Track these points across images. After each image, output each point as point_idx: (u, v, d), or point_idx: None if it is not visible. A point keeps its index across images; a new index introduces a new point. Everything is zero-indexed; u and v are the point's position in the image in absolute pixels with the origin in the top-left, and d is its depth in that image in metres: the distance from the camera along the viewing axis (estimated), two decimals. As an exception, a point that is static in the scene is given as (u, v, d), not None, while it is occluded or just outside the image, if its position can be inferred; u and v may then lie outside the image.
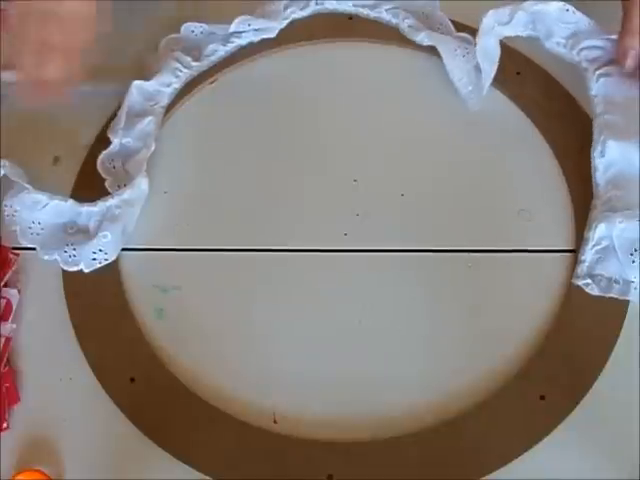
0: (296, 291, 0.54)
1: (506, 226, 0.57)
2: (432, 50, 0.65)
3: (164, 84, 0.63)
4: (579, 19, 0.63)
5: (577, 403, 0.48)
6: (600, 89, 0.60)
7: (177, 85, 0.64)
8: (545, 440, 0.47)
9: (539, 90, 0.63)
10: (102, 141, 0.60)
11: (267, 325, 0.53)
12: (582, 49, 0.62)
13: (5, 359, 0.51)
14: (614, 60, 0.61)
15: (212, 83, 0.65)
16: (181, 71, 0.64)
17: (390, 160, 0.60)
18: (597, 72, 0.61)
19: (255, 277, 0.55)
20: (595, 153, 0.57)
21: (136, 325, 0.53)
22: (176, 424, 0.49)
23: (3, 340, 0.51)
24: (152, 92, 0.62)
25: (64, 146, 0.62)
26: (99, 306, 0.54)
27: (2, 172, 0.55)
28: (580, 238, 0.55)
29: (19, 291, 0.54)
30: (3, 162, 0.55)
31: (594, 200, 0.56)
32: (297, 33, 0.67)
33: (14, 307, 0.53)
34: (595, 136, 0.58)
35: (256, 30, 0.66)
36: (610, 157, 0.57)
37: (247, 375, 0.51)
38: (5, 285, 0.54)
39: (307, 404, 0.50)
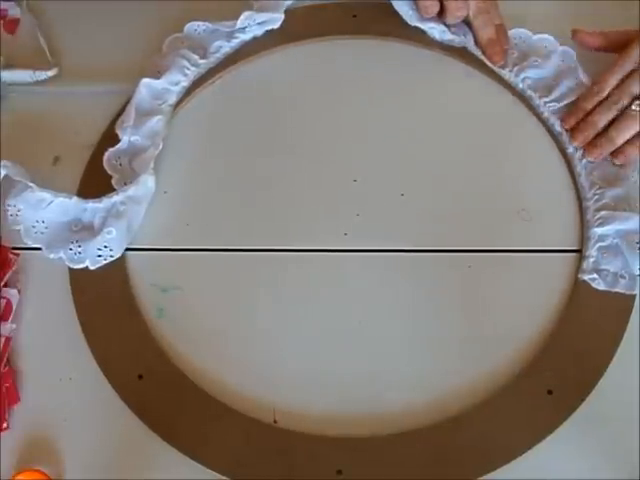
0: (296, 291, 0.54)
1: (507, 226, 0.57)
2: (434, 47, 0.66)
3: (172, 82, 0.63)
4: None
5: (582, 400, 0.49)
6: (551, 114, 0.62)
7: (185, 84, 0.64)
8: (549, 438, 0.47)
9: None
10: (108, 140, 0.60)
11: (267, 325, 0.53)
12: (525, 78, 0.63)
13: (5, 359, 0.51)
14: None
15: (214, 82, 0.65)
16: (189, 69, 0.64)
17: (390, 160, 0.60)
18: (543, 99, 0.62)
19: (255, 277, 0.55)
20: (575, 161, 0.59)
21: (143, 322, 0.53)
22: (184, 421, 0.49)
23: (3, 340, 0.51)
24: (160, 90, 0.62)
25: (64, 146, 0.62)
26: (106, 303, 0.54)
27: (3, 172, 0.55)
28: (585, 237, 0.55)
29: (19, 291, 0.54)
30: (4, 162, 0.55)
31: (584, 202, 0.57)
32: (301, 31, 0.67)
33: (14, 307, 0.53)
34: (570, 149, 0.59)
35: (259, 23, 0.66)
36: (588, 160, 0.58)
37: (249, 375, 0.51)
38: (5, 285, 0.54)
39: (308, 402, 0.50)
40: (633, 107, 0.57)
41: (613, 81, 0.59)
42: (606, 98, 0.59)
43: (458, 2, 0.63)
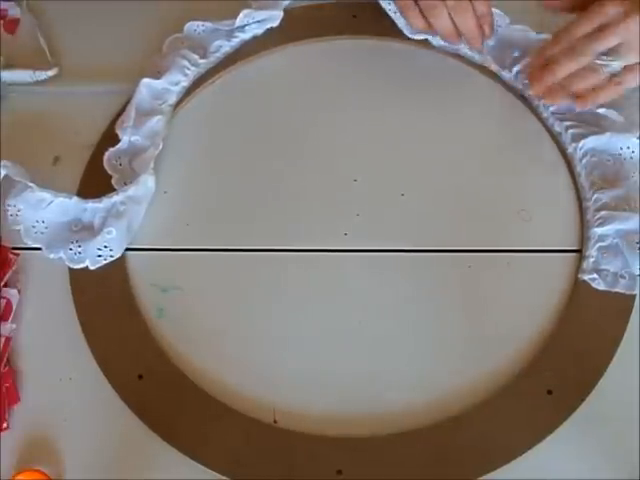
0: (296, 291, 0.54)
1: (507, 226, 0.57)
2: (433, 47, 0.65)
3: (172, 83, 0.63)
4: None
5: (582, 400, 0.49)
6: (548, 110, 0.61)
7: (185, 84, 0.64)
8: (549, 438, 0.47)
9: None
10: (108, 140, 0.60)
11: (267, 325, 0.53)
12: (518, 72, 0.63)
13: (5, 359, 0.51)
14: None
15: (214, 82, 0.66)
16: (189, 69, 0.64)
17: (390, 160, 0.60)
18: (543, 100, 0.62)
19: (255, 277, 0.55)
20: (575, 161, 0.59)
21: (143, 322, 0.53)
22: (184, 421, 0.49)
23: (3, 340, 0.51)
24: (160, 90, 0.63)
25: (64, 146, 0.62)
26: (106, 303, 0.54)
27: (3, 172, 0.55)
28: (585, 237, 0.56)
29: (19, 291, 0.54)
30: (4, 162, 0.55)
31: (584, 202, 0.57)
32: (301, 31, 0.68)
33: (14, 307, 0.53)
34: (569, 149, 0.59)
35: (259, 21, 0.66)
36: (589, 160, 0.58)
37: (249, 375, 0.51)
38: (5, 285, 0.54)
39: (308, 402, 0.50)
40: (597, 61, 0.56)
41: (579, 33, 0.57)
42: (569, 48, 0.57)
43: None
